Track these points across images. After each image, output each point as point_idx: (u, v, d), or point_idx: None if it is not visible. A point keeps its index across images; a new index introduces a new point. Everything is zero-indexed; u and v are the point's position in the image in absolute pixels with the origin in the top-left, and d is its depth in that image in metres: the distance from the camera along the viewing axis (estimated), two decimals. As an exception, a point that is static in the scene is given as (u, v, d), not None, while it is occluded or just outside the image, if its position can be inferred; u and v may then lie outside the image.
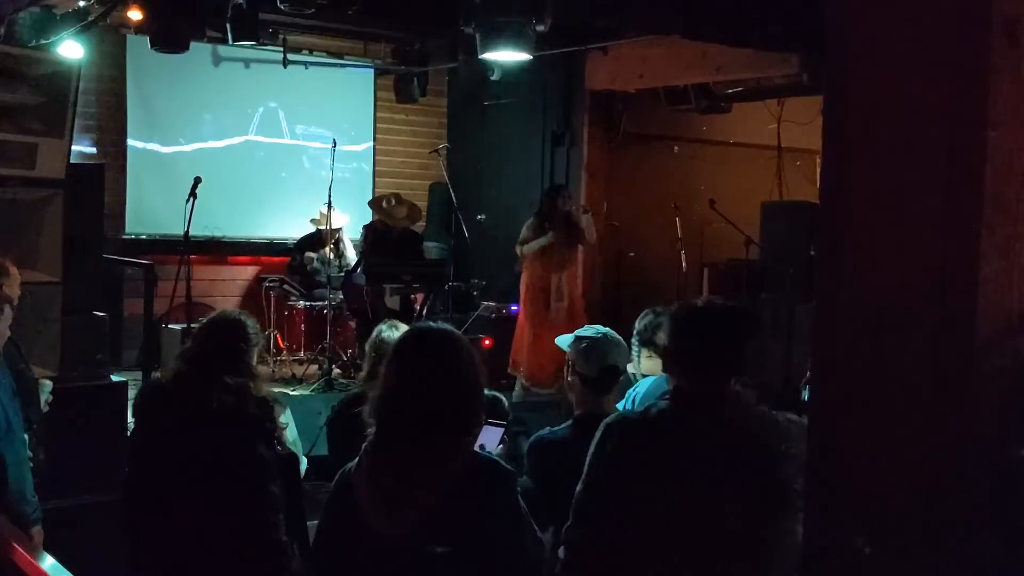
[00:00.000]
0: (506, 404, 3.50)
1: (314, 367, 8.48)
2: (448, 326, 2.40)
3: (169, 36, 7.56)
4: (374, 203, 9.11)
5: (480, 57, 7.20)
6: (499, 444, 2.99)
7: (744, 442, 2.27)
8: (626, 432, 2.41)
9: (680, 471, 2.26)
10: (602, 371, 3.22)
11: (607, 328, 3.41)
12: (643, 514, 2.29)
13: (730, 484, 2.24)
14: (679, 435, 2.31)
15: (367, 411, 2.29)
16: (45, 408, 3.99)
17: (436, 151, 10.28)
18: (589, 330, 3.37)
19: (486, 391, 2.37)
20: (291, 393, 7.77)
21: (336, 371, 8.13)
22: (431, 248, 9.88)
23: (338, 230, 8.89)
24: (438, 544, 2.10)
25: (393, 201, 8.50)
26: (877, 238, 1.41)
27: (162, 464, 3.11)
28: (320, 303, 8.45)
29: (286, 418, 3.41)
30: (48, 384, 4.10)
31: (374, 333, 3.87)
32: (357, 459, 2.27)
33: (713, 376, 2.33)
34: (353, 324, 8.53)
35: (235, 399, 3.10)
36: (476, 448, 2.43)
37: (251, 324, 3.35)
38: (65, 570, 2.55)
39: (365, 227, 8.89)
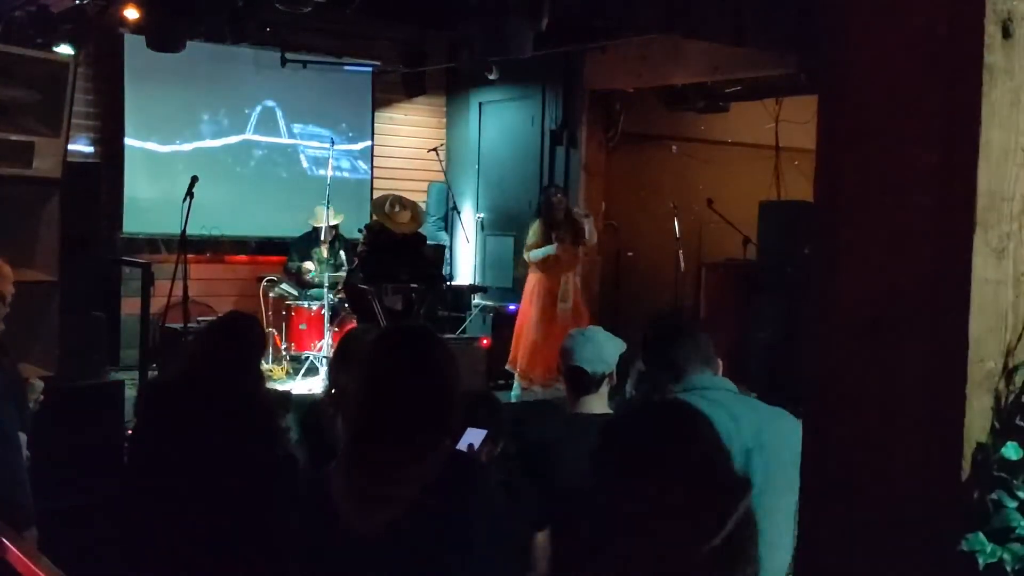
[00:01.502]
0: (499, 403, 3.50)
1: (312, 367, 8.47)
2: (424, 326, 2.41)
3: (165, 35, 7.55)
4: (376, 205, 9.08)
5: (478, 56, 7.19)
6: (482, 444, 3.00)
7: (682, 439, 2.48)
8: (604, 432, 2.65)
9: (628, 468, 2.46)
10: (568, 371, 3.25)
11: (597, 330, 3.44)
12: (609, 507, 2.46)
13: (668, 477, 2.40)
14: (631, 434, 2.52)
15: (330, 411, 2.30)
16: (35, 407, 3.98)
17: (434, 150, 10.28)
18: (577, 330, 3.42)
19: (480, 391, 2.38)
20: (288, 393, 7.77)
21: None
22: (429, 247, 9.88)
23: (335, 227, 8.89)
24: (415, 543, 2.10)
25: (397, 207, 8.41)
26: (871, 237, 1.41)
27: (164, 463, 3.10)
28: (318, 303, 8.45)
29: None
30: (39, 384, 4.09)
31: (346, 334, 3.89)
32: (336, 459, 2.27)
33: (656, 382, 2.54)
34: (355, 324, 8.53)
35: (240, 400, 3.09)
36: (460, 448, 2.44)
37: (258, 326, 3.36)
38: (60, 571, 2.54)
39: (365, 226, 8.88)
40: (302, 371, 8.43)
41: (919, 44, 1.34)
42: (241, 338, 3.22)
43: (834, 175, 1.49)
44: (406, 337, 2.34)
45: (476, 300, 9.59)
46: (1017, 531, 1.27)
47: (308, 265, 8.78)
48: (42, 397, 4.03)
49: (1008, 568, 1.27)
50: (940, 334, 1.32)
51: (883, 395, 1.42)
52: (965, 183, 1.28)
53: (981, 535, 1.27)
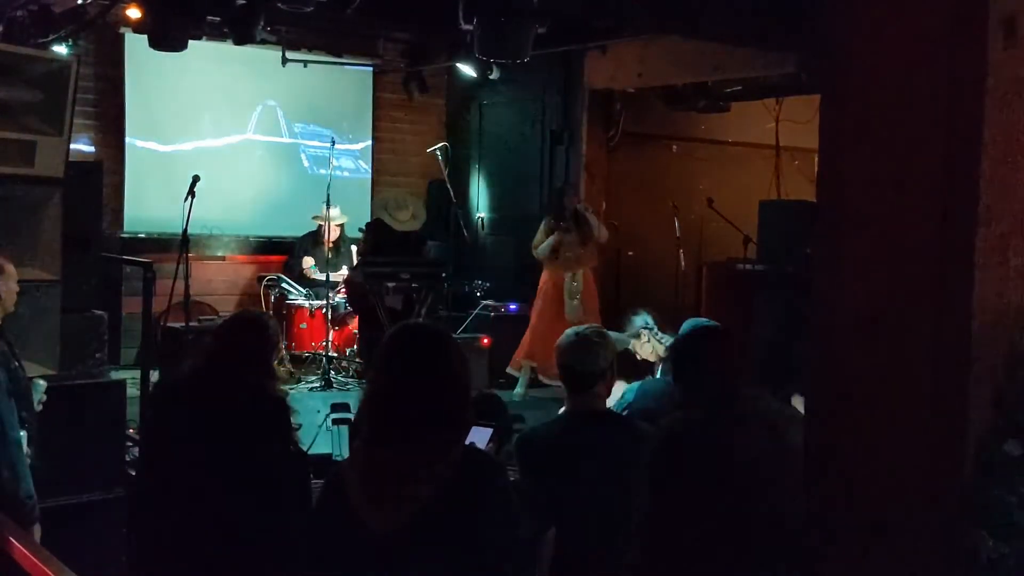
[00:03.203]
0: (502, 402, 3.51)
1: (313, 366, 8.48)
2: (435, 324, 2.41)
3: (167, 35, 7.56)
4: (378, 203, 9.13)
5: (479, 56, 7.20)
6: (488, 443, 3.00)
7: None
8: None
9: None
10: (560, 369, 3.29)
11: (595, 328, 3.45)
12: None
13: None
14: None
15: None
16: (39, 408, 3.99)
17: (435, 150, 10.29)
18: (572, 328, 3.44)
19: (483, 389, 2.38)
20: (289, 392, 7.76)
21: (335, 370, 8.13)
22: (430, 247, 9.89)
23: (340, 225, 8.91)
24: (430, 540, 2.10)
25: (398, 206, 8.44)
26: (874, 235, 1.42)
27: (176, 461, 3.10)
28: (319, 302, 8.45)
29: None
30: (42, 384, 4.10)
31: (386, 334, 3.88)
32: (349, 457, 2.28)
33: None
34: (356, 322, 8.55)
35: (253, 397, 3.10)
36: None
37: (272, 324, 3.37)
38: (64, 567, 2.55)
39: (367, 225, 8.90)
40: (302, 370, 8.44)
41: (922, 43, 1.35)
42: (258, 334, 3.23)
43: (837, 174, 1.49)
44: (417, 335, 2.34)
45: (476, 300, 9.59)
46: (1019, 526, 1.27)
47: (307, 260, 8.78)
48: (45, 398, 4.04)
49: (1010, 563, 1.28)
50: (942, 331, 1.33)
51: (886, 392, 1.42)
52: (968, 181, 1.29)
53: (983, 531, 1.28)
